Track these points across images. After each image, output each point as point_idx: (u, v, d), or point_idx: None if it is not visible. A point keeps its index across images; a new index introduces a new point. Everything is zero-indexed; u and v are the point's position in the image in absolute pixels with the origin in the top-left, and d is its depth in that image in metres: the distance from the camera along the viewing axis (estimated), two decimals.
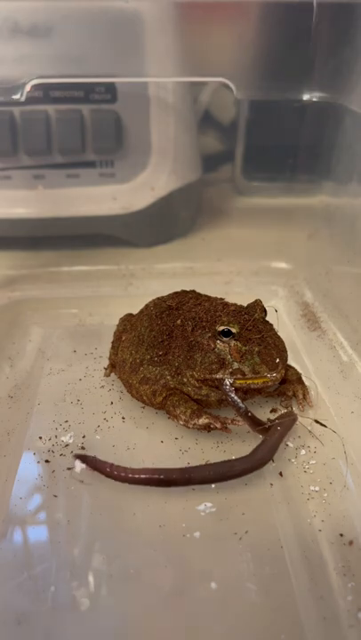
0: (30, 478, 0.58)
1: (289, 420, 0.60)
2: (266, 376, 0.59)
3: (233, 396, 0.59)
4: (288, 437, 0.61)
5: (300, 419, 0.62)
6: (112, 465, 0.56)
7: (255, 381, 0.59)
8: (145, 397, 0.65)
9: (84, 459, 0.58)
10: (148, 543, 0.52)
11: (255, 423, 0.59)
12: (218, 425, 0.59)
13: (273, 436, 0.58)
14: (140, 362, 0.65)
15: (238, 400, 0.59)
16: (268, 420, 0.61)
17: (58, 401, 0.69)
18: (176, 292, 0.73)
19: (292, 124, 0.94)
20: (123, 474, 0.55)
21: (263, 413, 0.66)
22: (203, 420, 0.60)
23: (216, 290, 0.79)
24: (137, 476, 0.55)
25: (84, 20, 0.78)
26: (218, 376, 0.60)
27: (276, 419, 0.60)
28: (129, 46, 0.81)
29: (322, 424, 0.62)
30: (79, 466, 0.58)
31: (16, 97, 0.78)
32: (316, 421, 0.62)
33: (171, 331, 0.66)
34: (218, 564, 0.50)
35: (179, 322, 0.66)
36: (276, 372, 0.59)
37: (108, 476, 0.56)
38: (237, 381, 0.59)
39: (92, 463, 0.57)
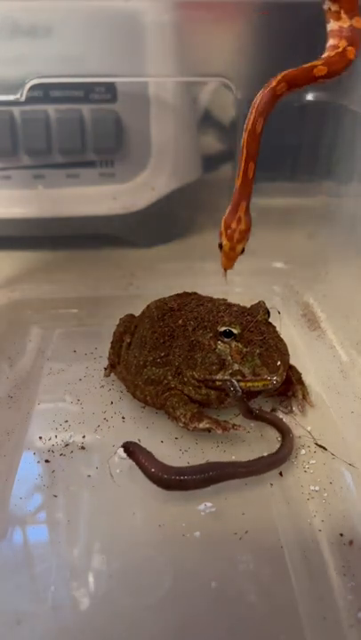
0: (30, 478, 0.58)
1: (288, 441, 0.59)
2: (266, 378, 0.59)
3: (234, 381, 0.59)
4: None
5: (299, 419, 0.62)
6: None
7: (255, 383, 0.59)
8: (149, 398, 0.65)
9: (130, 451, 0.56)
10: (147, 543, 0.52)
11: (247, 411, 0.60)
12: (219, 431, 0.59)
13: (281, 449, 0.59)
14: (144, 364, 0.65)
15: (237, 384, 0.59)
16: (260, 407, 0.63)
17: (58, 401, 0.69)
18: (178, 294, 0.73)
19: (292, 124, 0.94)
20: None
21: None
22: (203, 425, 0.60)
23: (216, 290, 0.79)
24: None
25: (84, 20, 0.78)
26: (218, 377, 0.60)
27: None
28: (129, 46, 0.81)
29: (323, 447, 0.61)
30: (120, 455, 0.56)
31: (16, 97, 0.78)
32: (317, 444, 0.62)
33: (172, 331, 0.65)
34: (218, 563, 0.50)
35: (180, 322, 0.66)
36: (277, 375, 0.59)
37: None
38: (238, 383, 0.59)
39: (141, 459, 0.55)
